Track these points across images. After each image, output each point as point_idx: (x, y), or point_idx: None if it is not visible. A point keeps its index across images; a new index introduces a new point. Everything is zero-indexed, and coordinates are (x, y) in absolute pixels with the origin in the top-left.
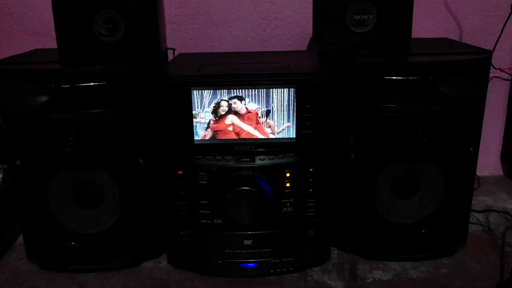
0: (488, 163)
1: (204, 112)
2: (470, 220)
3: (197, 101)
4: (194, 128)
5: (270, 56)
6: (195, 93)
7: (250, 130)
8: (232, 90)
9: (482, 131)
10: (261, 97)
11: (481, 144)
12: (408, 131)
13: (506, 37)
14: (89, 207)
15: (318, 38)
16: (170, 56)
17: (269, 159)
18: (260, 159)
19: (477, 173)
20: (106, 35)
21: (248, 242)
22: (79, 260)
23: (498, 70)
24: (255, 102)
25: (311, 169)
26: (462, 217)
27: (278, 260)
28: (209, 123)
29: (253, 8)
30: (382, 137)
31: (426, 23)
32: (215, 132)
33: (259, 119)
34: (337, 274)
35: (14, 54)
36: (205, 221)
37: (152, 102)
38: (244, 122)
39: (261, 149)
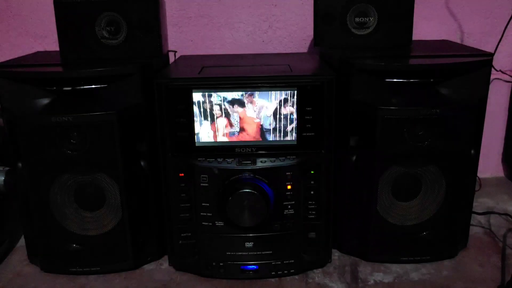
0: (489, 165)
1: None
2: (472, 222)
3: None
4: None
5: (271, 58)
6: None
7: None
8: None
9: (484, 133)
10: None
11: (482, 146)
12: (409, 134)
13: (507, 39)
14: (91, 209)
15: (319, 40)
16: (172, 58)
17: (271, 161)
18: (261, 162)
19: (478, 175)
20: (108, 38)
21: (249, 244)
22: (81, 262)
23: (499, 72)
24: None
25: (312, 172)
26: (463, 219)
27: (279, 262)
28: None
29: (254, 10)
30: (383, 139)
31: (427, 25)
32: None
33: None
34: (338, 276)
35: (16, 56)
36: (206, 224)
37: (154, 104)
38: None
39: (263, 152)
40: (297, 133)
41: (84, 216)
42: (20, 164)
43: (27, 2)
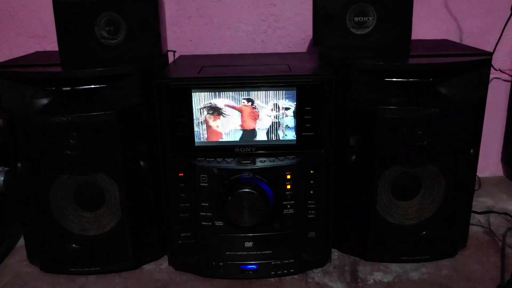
0: (488, 164)
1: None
2: (471, 221)
3: None
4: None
5: (270, 58)
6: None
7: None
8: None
9: (483, 132)
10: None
11: (481, 145)
12: (408, 133)
13: (506, 39)
14: (90, 209)
15: (318, 40)
16: (171, 58)
17: (270, 161)
18: (261, 161)
19: (477, 174)
20: (107, 38)
21: (249, 244)
22: (80, 263)
23: (498, 71)
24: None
25: (311, 171)
26: (462, 218)
27: (279, 262)
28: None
29: (253, 10)
30: (382, 138)
31: (426, 24)
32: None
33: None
34: (338, 275)
35: (15, 56)
36: (206, 223)
37: (153, 104)
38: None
39: (262, 151)
40: (296, 132)
41: (84, 216)
42: (19, 164)
43: (26, 2)
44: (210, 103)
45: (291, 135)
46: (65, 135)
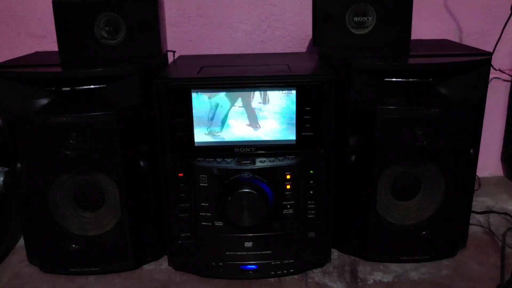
0: (488, 164)
1: None
2: (471, 221)
3: None
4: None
5: (270, 58)
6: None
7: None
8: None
9: (483, 132)
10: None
11: (481, 145)
12: (408, 133)
13: (506, 38)
14: (90, 210)
15: (317, 40)
16: (171, 58)
17: (270, 161)
18: (260, 161)
19: (477, 174)
20: (107, 38)
21: (248, 244)
22: (80, 263)
23: (498, 71)
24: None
25: (311, 171)
26: (462, 218)
27: (278, 262)
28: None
29: (253, 10)
30: (382, 138)
31: (426, 24)
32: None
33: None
34: (338, 275)
35: (15, 56)
36: (205, 223)
37: (153, 104)
38: None
39: (262, 151)
40: (296, 132)
41: (84, 216)
42: (19, 164)
43: (26, 2)
44: None
45: (291, 135)
46: (64, 135)
